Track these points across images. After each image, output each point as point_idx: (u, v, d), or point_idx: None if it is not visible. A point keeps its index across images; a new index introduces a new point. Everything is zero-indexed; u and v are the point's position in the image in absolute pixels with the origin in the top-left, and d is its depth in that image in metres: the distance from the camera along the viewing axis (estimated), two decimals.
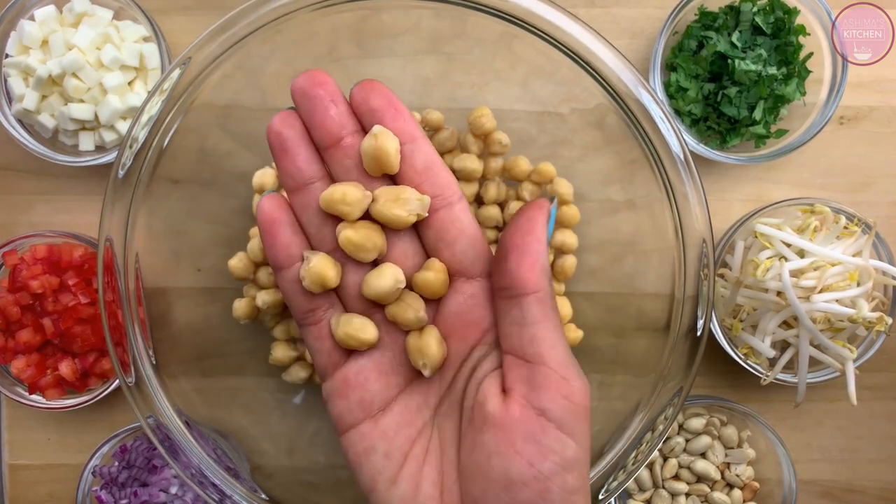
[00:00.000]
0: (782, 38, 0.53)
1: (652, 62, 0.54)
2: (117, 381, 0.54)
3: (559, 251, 0.50)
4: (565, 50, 0.45)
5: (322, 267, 0.30)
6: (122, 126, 0.53)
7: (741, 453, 0.55)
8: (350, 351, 0.31)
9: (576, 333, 0.50)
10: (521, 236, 0.27)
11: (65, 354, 0.53)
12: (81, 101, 0.52)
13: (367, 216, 0.30)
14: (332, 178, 0.31)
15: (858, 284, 0.49)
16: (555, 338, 0.27)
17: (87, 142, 0.54)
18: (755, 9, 0.53)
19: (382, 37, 0.49)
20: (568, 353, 0.28)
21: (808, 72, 0.54)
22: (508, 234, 0.28)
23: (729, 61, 0.52)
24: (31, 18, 0.53)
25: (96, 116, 0.53)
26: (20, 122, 0.54)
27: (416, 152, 0.29)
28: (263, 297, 0.49)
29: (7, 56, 0.54)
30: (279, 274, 0.31)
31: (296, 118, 0.30)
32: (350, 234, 0.29)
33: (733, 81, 0.52)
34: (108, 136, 0.54)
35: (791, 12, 0.53)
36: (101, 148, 0.54)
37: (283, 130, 0.29)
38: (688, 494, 0.55)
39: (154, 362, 0.46)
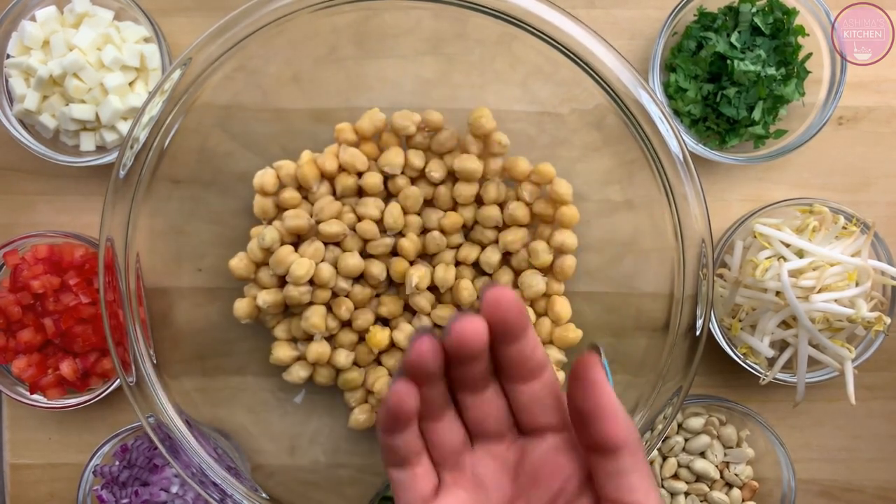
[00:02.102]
0: (781, 38, 0.53)
1: (651, 63, 0.54)
2: (118, 380, 0.54)
3: (558, 251, 0.50)
4: (565, 51, 0.45)
5: None
6: (123, 126, 0.54)
7: (740, 453, 0.55)
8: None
9: (575, 333, 0.50)
10: (593, 401, 0.28)
11: (66, 354, 0.53)
12: (82, 101, 0.53)
13: None
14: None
15: (857, 284, 0.49)
16: (649, 485, 0.29)
17: (87, 142, 0.54)
18: (754, 9, 0.53)
19: (383, 37, 0.49)
20: (660, 499, 0.30)
21: (807, 72, 0.54)
22: (579, 399, 0.28)
23: (728, 62, 0.52)
24: (33, 19, 0.53)
25: (97, 117, 0.53)
26: (21, 122, 0.54)
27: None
28: (264, 297, 0.49)
29: (8, 56, 0.54)
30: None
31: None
32: None
33: (732, 82, 0.53)
34: (109, 137, 0.54)
35: (790, 13, 0.53)
36: (101, 148, 0.55)
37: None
38: (687, 493, 0.55)
39: (155, 362, 0.46)
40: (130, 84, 0.54)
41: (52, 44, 0.53)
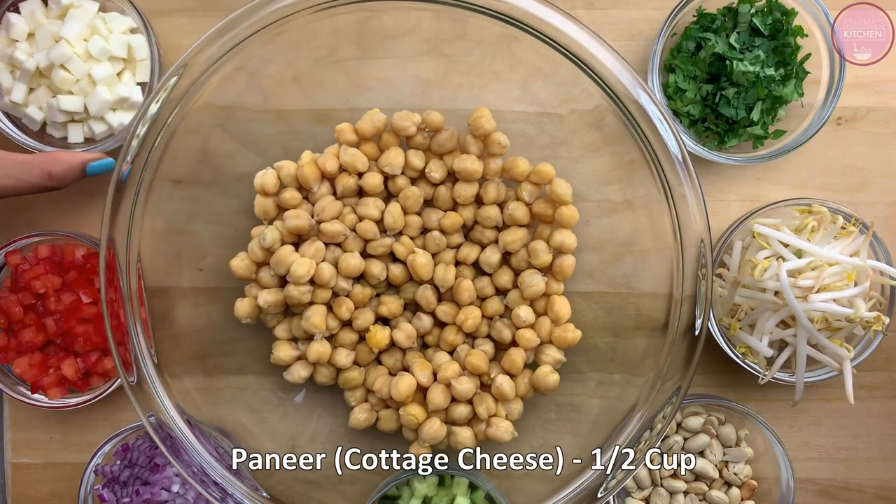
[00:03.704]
0: (780, 39, 0.53)
1: (650, 63, 0.54)
2: (119, 380, 0.54)
3: (558, 251, 0.50)
4: (564, 51, 0.45)
5: None
6: (112, 117, 0.53)
7: (739, 452, 0.56)
8: None
9: (574, 333, 0.50)
10: None
11: (67, 354, 0.54)
12: (70, 92, 0.52)
13: None
14: None
15: (856, 284, 0.49)
16: None
17: (76, 133, 0.54)
18: (753, 10, 0.53)
19: (383, 38, 0.49)
20: None
21: (806, 73, 0.54)
22: None
23: (727, 62, 0.52)
24: (17, 11, 0.53)
25: (85, 108, 0.53)
26: (7, 115, 0.54)
27: None
28: (265, 297, 0.49)
29: None
30: None
31: None
32: None
33: (731, 82, 0.53)
34: (98, 128, 0.53)
35: (789, 13, 0.53)
36: (90, 140, 0.54)
37: None
38: (686, 493, 0.55)
39: (156, 361, 0.46)
40: (118, 74, 0.54)
41: (37, 36, 0.52)
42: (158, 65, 0.54)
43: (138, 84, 0.54)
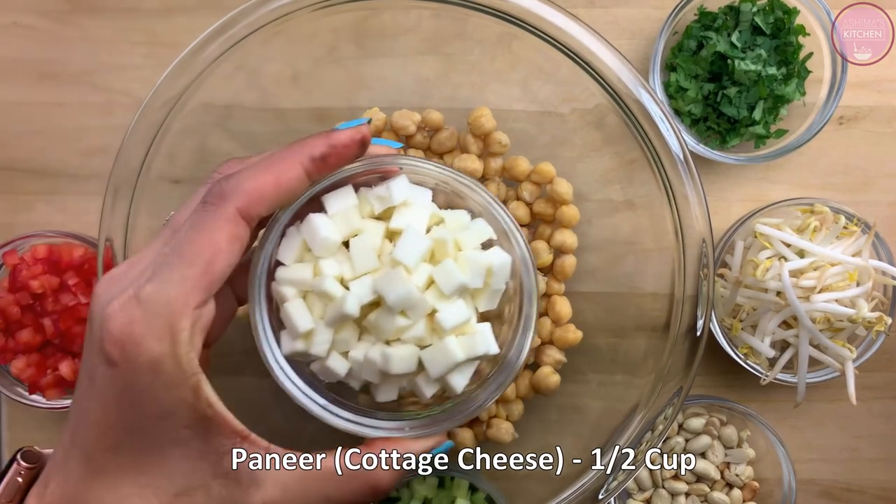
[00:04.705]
0: (782, 38, 0.53)
1: (652, 62, 0.54)
2: None
3: (559, 251, 0.50)
4: (565, 50, 0.45)
5: None
6: (455, 379, 0.36)
7: (741, 453, 0.55)
8: None
9: (575, 334, 0.50)
10: None
11: (65, 354, 0.53)
12: (397, 340, 0.36)
13: None
14: None
15: (858, 284, 0.49)
16: None
17: (387, 392, 0.39)
18: (755, 9, 0.53)
19: (383, 37, 0.49)
20: None
21: (808, 72, 0.54)
22: None
23: (729, 61, 0.52)
24: (321, 208, 0.37)
25: (420, 366, 0.36)
26: (293, 364, 0.41)
27: None
28: None
29: (279, 264, 0.39)
30: None
31: None
32: None
33: (733, 81, 0.53)
34: (429, 391, 0.37)
35: (791, 12, 0.53)
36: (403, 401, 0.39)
37: None
38: (687, 494, 0.55)
39: None
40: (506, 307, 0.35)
41: (354, 251, 0.34)
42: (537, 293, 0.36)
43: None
